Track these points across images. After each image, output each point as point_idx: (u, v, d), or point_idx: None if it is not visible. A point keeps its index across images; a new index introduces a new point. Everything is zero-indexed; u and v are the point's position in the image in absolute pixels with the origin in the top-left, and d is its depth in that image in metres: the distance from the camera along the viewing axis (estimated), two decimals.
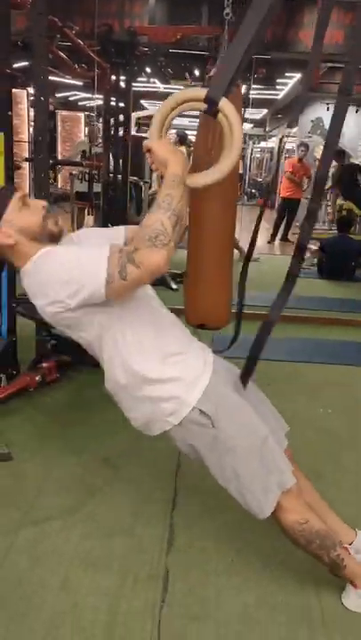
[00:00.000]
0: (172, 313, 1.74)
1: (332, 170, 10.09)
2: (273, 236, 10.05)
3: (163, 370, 1.60)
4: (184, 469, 2.48)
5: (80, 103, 13.52)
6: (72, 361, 3.49)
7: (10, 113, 3.01)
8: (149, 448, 2.65)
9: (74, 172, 8.39)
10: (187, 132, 9.15)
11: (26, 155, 10.19)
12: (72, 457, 2.54)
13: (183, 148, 7.72)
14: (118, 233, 1.74)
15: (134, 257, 1.40)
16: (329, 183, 9.50)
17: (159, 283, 5.82)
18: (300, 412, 3.10)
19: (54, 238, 1.60)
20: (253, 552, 1.98)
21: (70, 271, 1.47)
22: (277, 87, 10.60)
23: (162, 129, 1.57)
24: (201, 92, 1.55)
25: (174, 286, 5.66)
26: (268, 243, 9.90)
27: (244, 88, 7.70)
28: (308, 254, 8.00)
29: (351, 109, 12.07)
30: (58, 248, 1.56)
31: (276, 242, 10.10)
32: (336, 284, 6.63)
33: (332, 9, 1.83)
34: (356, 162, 10.31)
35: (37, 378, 3.15)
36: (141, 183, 7.75)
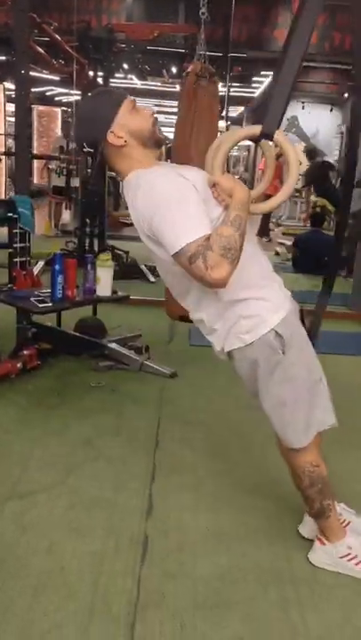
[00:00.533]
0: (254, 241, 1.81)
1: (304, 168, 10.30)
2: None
3: (252, 291, 1.68)
4: (162, 447, 2.61)
5: (57, 98, 13.53)
6: (52, 349, 3.60)
7: None
8: (128, 428, 2.78)
9: (51, 167, 8.45)
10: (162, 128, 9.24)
11: (2, 149, 10.19)
12: (54, 438, 2.65)
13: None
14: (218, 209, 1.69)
15: (207, 256, 1.47)
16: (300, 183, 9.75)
17: (138, 276, 5.94)
18: None
19: (159, 145, 1.69)
20: (227, 521, 2.12)
21: (169, 216, 1.52)
22: (253, 85, 10.76)
23: (223, 165, 1.71)
24: (256, 130, 1.74)
25: (152, 279, 5.77)
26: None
27: (220, 86, 7.83)
28: (282, 249, 8.20)
29: (326, 108, 12.33)
30: (172, 179, 1.59)
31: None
32: (310, 277, 6.81)
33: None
34: (330, 160, 10.52)
35: (19, 365, 3.26)
36: (119, 178, 7.83)
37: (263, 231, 10.21)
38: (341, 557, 1.86)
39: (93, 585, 1.76)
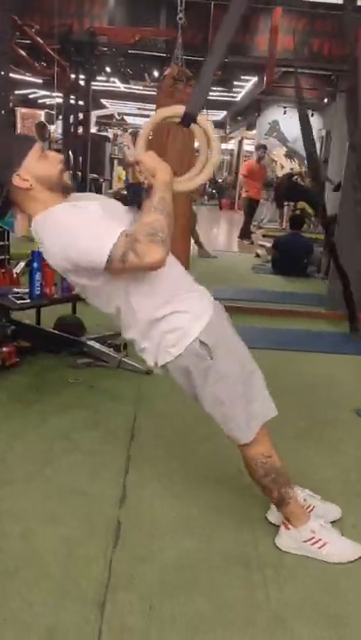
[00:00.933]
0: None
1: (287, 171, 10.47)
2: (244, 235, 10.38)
3: (170, 306, 1.76)
4: (137, 441, 2.68)
5: (40, 101, 13.56)
6: (31, 346, 3.65)
7: None
8: (105, 422, 2.85)
9: None
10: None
11: None
12: (32, 432, 2.71)
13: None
14: (120, 211, 1.80)
15: (136, 248, 1.56)
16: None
17: None
18: None
19: (67, 190, 1.75)
20: (197, 509, 2.19)
21: (78, 239, 1.60)
22: (234, 90, 10.89)
23: (147, 144, 1.77)
24: (179, 110, 1.80)
25: None
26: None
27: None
28: (263, 251, 8.32)
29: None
30: (74, 209, 1.67)
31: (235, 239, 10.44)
32: (288, 279, 6.94)
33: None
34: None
35: None
36: (101, 180, 7.91)
37: (245, 234, 10.36)
38: (305, 541, 1.94)
39: (66, 568, 1.83)
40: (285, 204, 10.22)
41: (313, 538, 1.94)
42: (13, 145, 1.76)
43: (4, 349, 3.37)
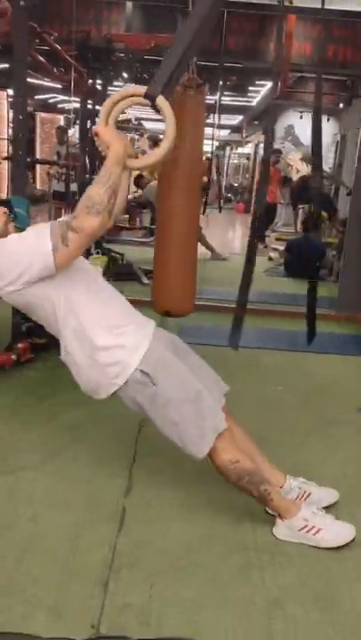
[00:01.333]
0: (112, 287, 2.05)
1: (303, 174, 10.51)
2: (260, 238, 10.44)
3: (109, 338, 1.89)
4: (144, 434, 2.77)
5: (59, 106, 13.76)
6: (46, 343, 3.76)
7: None
8: (113, 417, 2.93)
9: (51, 172, 8.65)
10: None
11: (4, 154, 10.39)
12: (43, 423, 2.81)
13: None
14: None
15: (73, 224, 1.70)
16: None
17: (132, 278, 6.12)
18: (257, 389, 3.43)
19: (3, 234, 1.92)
20: (200, 499, 2.27)
21: (19, 252, 1.77)
22: (250, 95, 10.97)
23: (107, 118, 1.88)
24: (141, 89, 1.90)
25: (146, 281, 5.94)
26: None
27: (212, 94, 8.05)
28: (275, 255, 8.38)
29: (322, 118, 12.54)
30: (9, 237, 1.87)
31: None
32: (301, 282, 6.98)
33: None
34: (326, 169, 10.71)
35: (13, 357, 3.42)
36: None
37: (259, 237, 10.43)
38: (300, 530, 2.01)
39: (72, 550, 1.93)
40: (300, 207, 10.27)
41: (307, 526, 2.01)
42: None
43: (19, 346, 3.49)
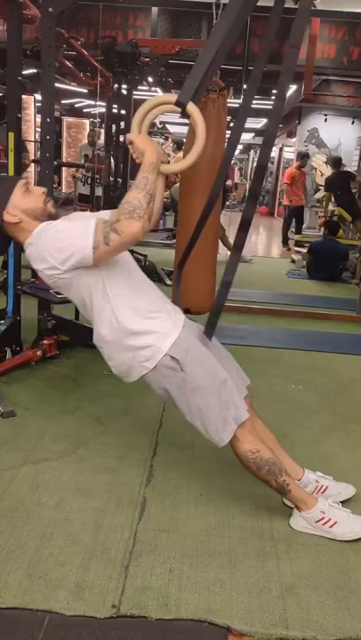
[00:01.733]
0: (146, 277, 2.10)
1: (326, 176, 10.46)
2: (283, 241, 10.51)
3: (142, 323, 1.96)
4: (165, 427, 2.84)
5: (85, 110, 13.94)
6: (70, 340, 3.85)
7: (19, 115, 3.40)
8: (135, 410, 3.02)
9: (77, 175, 8.79)
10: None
11: (32, 158, 10.58)
12: (68, 416, 2.89)
13: (180, 153, 8.08)
14: (105, 215, 2.10)
15: (116, 227, 1.78)
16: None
17: (156, 278, 6.19)
18: (277, 387, 3.47)
19: (52, 218, 1.97)
20: (219, 489, 2.33)
21: (63, 240, 1.84)
22: (273, 98, 10.95)
23: (140, 126, 1.94)
24: (172, 97, 1.95)
25: (168, 282, 6.02)
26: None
27: (234, 97, 8.09)
28: (299, 256, 8.38)
29: (347, 120, 12.50)
30: (54, 222, 1.92)
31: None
32: (323, 283, 7.00)
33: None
34: (351, 170, 10.67)
35: (39, 353, 3.52)
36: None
37: (283, 240, 10.45)
38: (317, 522, 2.06)
39: (94, 534, 2.00)
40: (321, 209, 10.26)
41: (323, 518, 2.05)
42: (0, 187, 1.97)
43: (45, 342, 3.58)
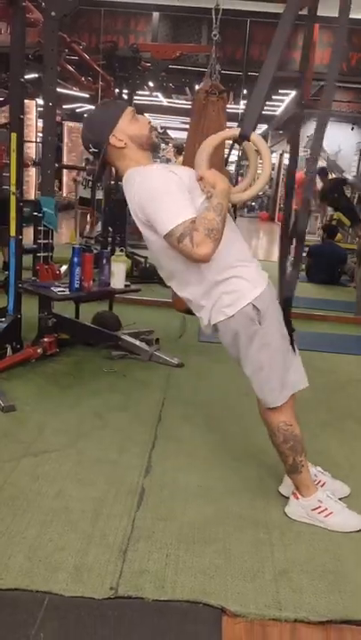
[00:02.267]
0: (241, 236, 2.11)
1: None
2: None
3: (232, 270, 1.97)
4: (164, 422, 2.89)
5: (85, 115, 14.05)
6: (71, 338, 3.91)
7: (22, 117, 3.46)
8: (135, 406, 3.07)
9: (77, 179, 8.87)
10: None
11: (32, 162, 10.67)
12: (67, 410, 2.94)
13: (180, 157, 8.16)
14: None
15: (194, 236, 1.78)
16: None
17: (155, 280, 6.24)
18: None
19: (155, 148, 2.03)
20: (216, 480, 2.38)
21: (160, 203, 1.83)
22: (274, 104, 11.07)
23: (208, 162, 2.00)
24: (234, 132, 2.05)
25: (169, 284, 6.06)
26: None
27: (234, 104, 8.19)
28: None
29: (347, 126, 12.61)
30: (166, 174, 1.90)
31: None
32: (322, 286, 7.06)
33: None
34: (349, 177, 10.75)
35: (39, 350, 3.57)
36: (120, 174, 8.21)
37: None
38: (313, 510, 2.11)
39: (93, 522, 2.04)
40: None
41: (320, 507, 2.10)
42: (109, 110, 2.01)
43: (46, 340, 3.63)
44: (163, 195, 1.84)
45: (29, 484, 2.25)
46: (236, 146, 2.15)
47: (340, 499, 2.22)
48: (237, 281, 1.97)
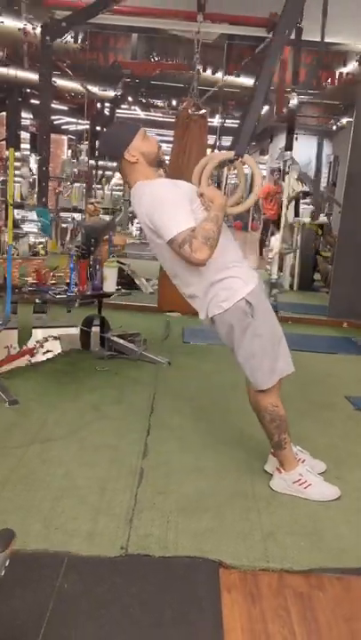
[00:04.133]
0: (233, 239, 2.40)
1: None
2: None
3: (227, 271, 2.26)
4: (156, 413, 3.15)
5: (63, 127, 14.28)
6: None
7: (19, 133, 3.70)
8: (129, 399, 3.32)
9: (60, 189, 9.09)
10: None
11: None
12: (67, 404, 3.19)
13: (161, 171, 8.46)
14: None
15: (193, 243, 2.08)
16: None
17: (137, 287, 6.50)
18: None
19: (161, 164, 2.33)
20: (208, 461, 2.64)
21: (164, 212, 2.14)
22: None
23: (208, 180, 2.31)
24: (228, 154, 2.40)
25: (151, 290, 6.33)
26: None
27: (214, 117, 8.52)
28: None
29: (313, 139, 13.08)
30: (171, 186, 2.23)
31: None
32: (295, 292, 7.42)
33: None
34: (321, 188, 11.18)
35: (35, 351, 3.80)
36: (122, 200, 8.46)
37: (260, 250, 10.95)
38: (294, 482, 2.39)
39: (100, 496, 2.29)
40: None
41: (300, 479, 2.38)
42: (125, 130, 2.32)
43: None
44: (168, 206, 2.14)
45: (39, 466, 2.49)
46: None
47: (320, 473, 2.51)
48: (232, 280, 2.27)
